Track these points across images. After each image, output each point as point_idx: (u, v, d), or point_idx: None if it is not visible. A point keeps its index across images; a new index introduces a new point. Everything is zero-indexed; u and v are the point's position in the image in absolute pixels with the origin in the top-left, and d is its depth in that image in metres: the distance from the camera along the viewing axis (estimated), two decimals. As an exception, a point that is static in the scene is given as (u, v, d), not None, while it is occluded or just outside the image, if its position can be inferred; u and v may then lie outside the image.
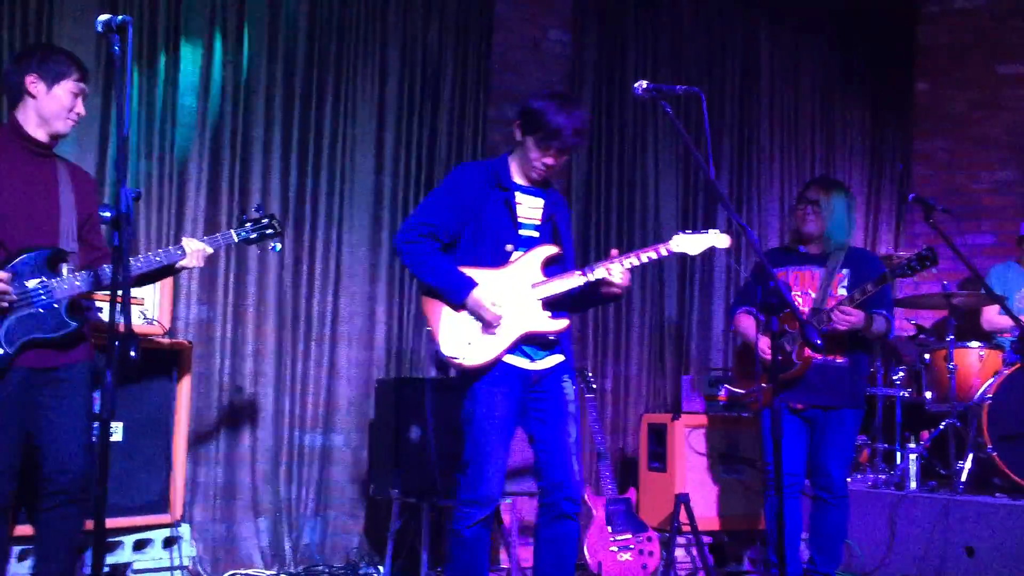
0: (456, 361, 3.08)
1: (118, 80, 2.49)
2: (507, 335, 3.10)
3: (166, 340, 3.86)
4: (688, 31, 6.00)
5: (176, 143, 4.46)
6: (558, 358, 3.24)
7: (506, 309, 3.09)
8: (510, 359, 3.13)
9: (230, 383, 4.53)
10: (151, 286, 3.75)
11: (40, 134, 2.98)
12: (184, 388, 3.91)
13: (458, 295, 3.08)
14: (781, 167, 6.28)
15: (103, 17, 2.44)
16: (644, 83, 2.99)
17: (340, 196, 4.85)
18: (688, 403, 5.26)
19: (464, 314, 3.09)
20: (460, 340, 3.08)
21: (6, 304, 2.81)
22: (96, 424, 2.97)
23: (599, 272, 3.15)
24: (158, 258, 3.04)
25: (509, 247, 3.18)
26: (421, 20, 5.09)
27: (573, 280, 3.16)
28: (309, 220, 4.77)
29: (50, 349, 2.89)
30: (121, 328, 2.33)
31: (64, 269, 2.92)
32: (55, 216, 2.97)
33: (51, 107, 2.95)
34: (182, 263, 3.10)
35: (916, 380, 5.18)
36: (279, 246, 3.37)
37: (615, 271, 3.14)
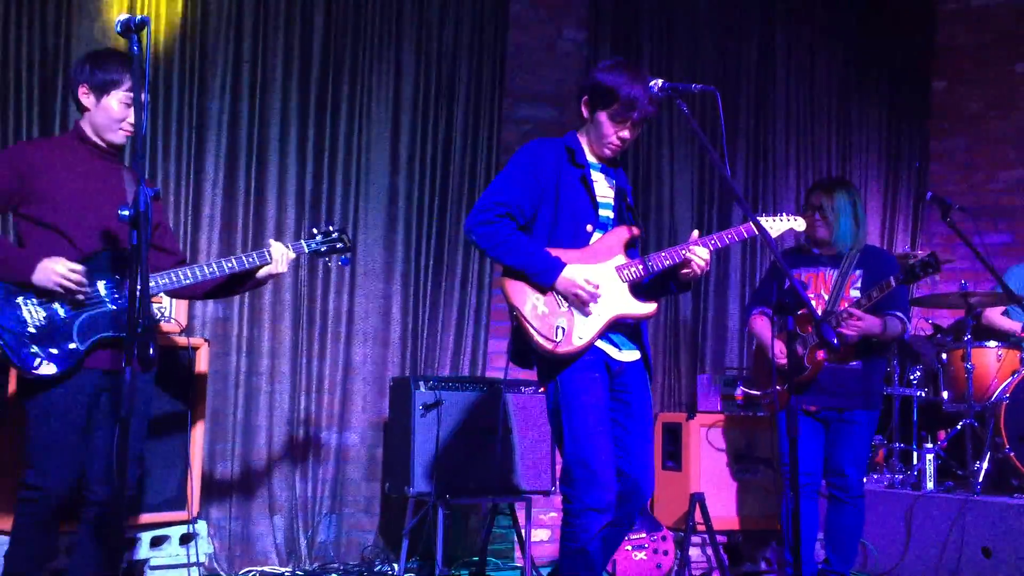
0: (549, 348, 2.87)
1: (136, 80, 2.51)
2: (599, 318, 2.92)
3: (183, 338, 3.89)
4: (704, 30, 5.99)
5: (193, 143, 4.49)
6: (639, 353, 3.08)
7: (599, 290, 2.92)
8: (600, 344, 2.96)
9: (246, 381, 4.56)
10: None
11: (99, 141, 3.00)
12: (201, 386, 3.94)
13: (549, 275, 2.88)
14: (797, 165, 6.25)
15: (122, 17, 2.45)
16: (660, 82, 2.97)
17: (355, 195, 4.87)
18: (703, 402, 5.25)
19: (551, 299, 2.91)
20: (551, 326, 2.89)
21: (81, 297, 2.81)
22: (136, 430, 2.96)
23: (700, 252, 2.98)
24: (250, 259, 3.04)
25: (589, 227, 3.01)
26: (436, 20, 5.10)
27: (661, 261, 3.01)
28: (324, 219, 4.79)
29: (120, 352, 2.86)
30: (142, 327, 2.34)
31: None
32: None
33: (101, 119, 2.96)
34: (268, 269, 3.08)
35: (933, 380, 5.15)
36: (347, 259, 3.34)
37: (704, 253, 3.00)
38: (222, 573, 4.32)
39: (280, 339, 4.64)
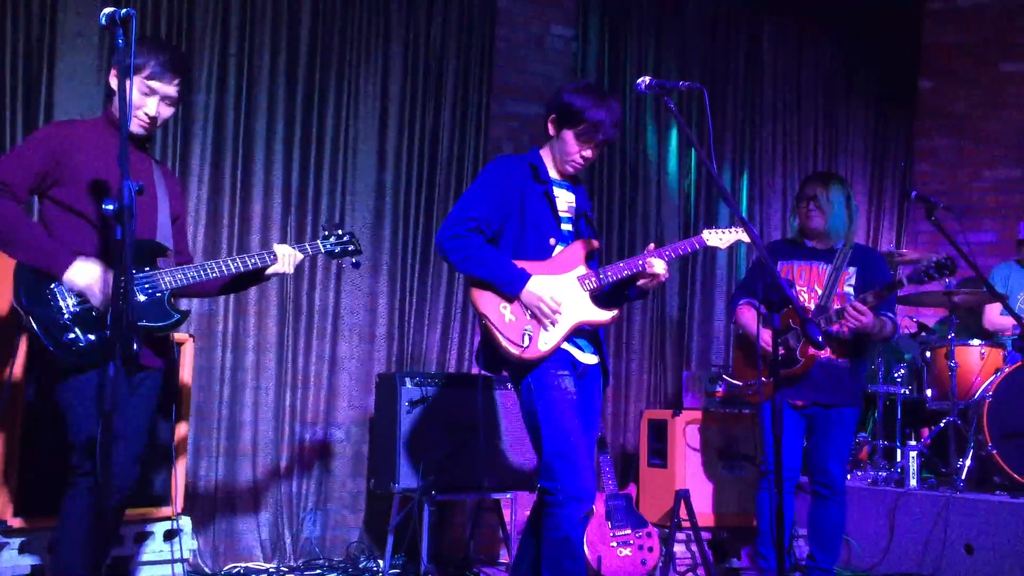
0: (516, 354, 3.03)
1: (121, 74, 2.48)
2: (563, 325, 3.10)
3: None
4: (691, 26, 6.00)
5: (179, 137, 4.46)
6: (597, 358, 3.26)
7: (561, 300, 3.09)
8: (564, 346, 3.12)
9: (231, 376, 4.54)
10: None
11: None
12: (186, 381, 3.92)
13: (515, 286, 3.05)
14: (784, 163, 6.27)
15: (107, 10, 2.42)
16: (647, 79, 2.99)
17: (342, 191, 4.85)
18: (689, 399, 5.27)
19: (517, 307, 3.07)
20: (518, 332, 3.05)
21: (103, 306, 2.73)
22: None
23: (657, 264, 3.15)
24: (252, 260, 3.03)
25: (552, 240, 3.18)
26: (424, 15, 5.09)
27: (619, 272, 3.18)
28: (311, 214, 4.78)
29: (145, 348, 2.83)
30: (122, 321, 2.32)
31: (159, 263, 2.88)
32: (153, 209, 2.93)
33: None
34: (273, 268, 3.07)
35: (917, 377, 5.18)
36: (359, 262, 3.35)
37: (661, 265, 3.16)
38: (206, 569, 4.30)
39: (266, 334, 4.63)
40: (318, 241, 3.26)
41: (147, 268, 2.84)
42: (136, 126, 2.89)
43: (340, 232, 3.30)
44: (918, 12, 6.84)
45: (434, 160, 5.08)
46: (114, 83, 2.82)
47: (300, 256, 3.13)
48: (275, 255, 3.07)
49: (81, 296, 2.73)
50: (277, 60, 4.70)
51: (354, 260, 3.32)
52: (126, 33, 2.41)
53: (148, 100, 2.86)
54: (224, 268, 2.98)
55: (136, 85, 2.81)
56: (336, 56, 4.84)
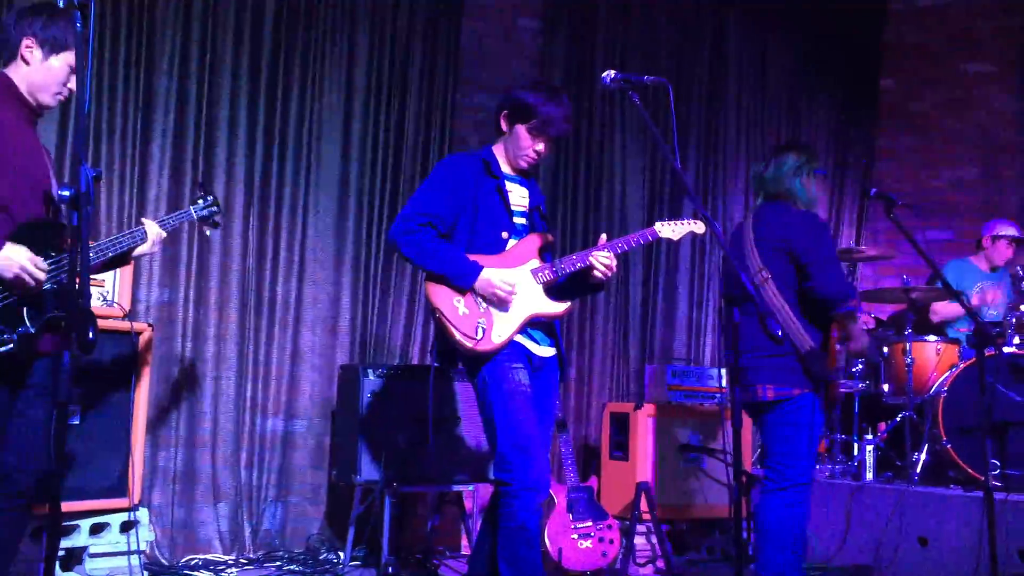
0: (470, 346, 3.05)
1: (80, 58, 2.42)
2: (516, 317, 3.13)
3: (126, 323, 3.81)
4: (658, 21, 6.02)
5: (139, 124, 4.40)
6: (554, 350, 3.28)
7: (515, 290, 3.12)
8: (518, 338, 3.15)
9: (191, 367, 4.49)
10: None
11: (30, 100, 2.76)
12: (144, 371, 3.87)
13: (467, 278, 3.08)
14: (747, 159, 6.32)
15: (66, -7, 2.37)
16: (613, 73, 2.99)
17: (306, 181, 4.82)
18: (651, 392, 5.30)
19: (471, 300, 3.10)
20: (472, 325, 3.07)
21: (38, 291, 2.61)
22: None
23: (601, 256, 3.17)
24: (126, 240, 2.94)
25: (505, 234, 3.21)
26: (391, 4, 5.06)
27: (572, 264, 3.21)
28: (274, 204, 4.73)
29: (47, 333, 2.68)
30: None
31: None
32: (48, 187, 2.77)
33: (44, 78, 2.73)
34: (141, 249, 2.98)
35: (874, 373, 5.26)
36: (212, 230, 3.34)
37: (605, 257, 3.18)
38: (164, 561, 4.26)
39: (227, 324, 4.58)
40: (191, 208, 3.20)
41: (53, 253, 2.67)
42: (56, 100, 2.79)
43: (211, 197, 3.25)
44: (880, 12, 6.92)
45: (399, 151, 5.05)
46: (28, 53, 2.71)
47: (164, 234, 3.04)
48: (145, 232, 2.97)
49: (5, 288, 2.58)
50: (240, 48, 4.65)
51: (215, 225, 3.30)
52: (84, 17, 2.36)
53: (73, 77, 2.77)
54: (102, 253, 2.87)
55: (68, 61, 2.73)
56: (301, 45, 4.80)
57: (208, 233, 3.39)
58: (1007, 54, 6.60)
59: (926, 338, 5.05)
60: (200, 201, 3.24)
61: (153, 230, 3.00)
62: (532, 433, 3.03)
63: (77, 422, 3.62)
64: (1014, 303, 4.93)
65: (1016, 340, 4.81)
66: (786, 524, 3.44)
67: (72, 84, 2.80)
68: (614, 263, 3.20)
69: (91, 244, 2.79)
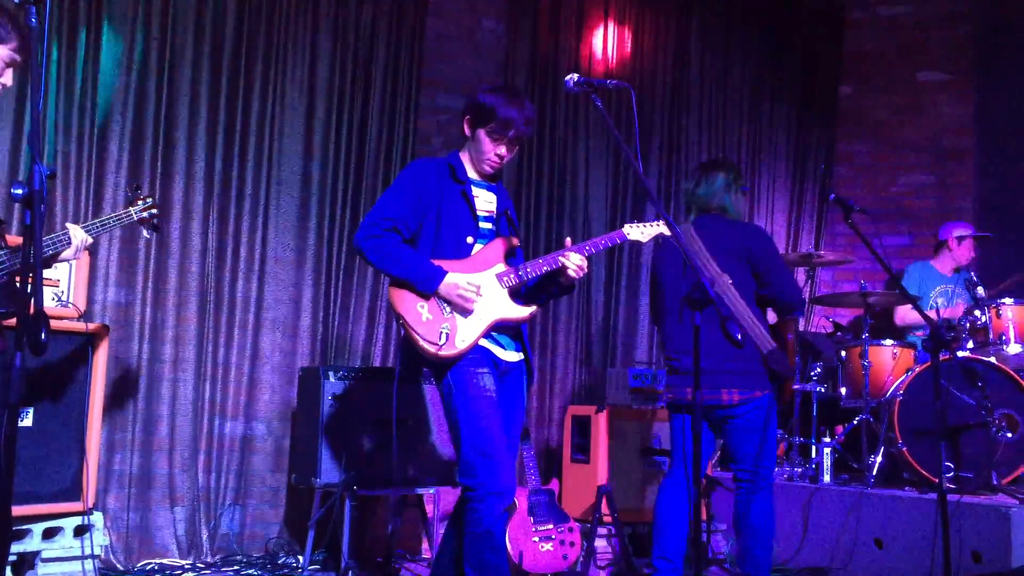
0: (433, 351, 3.03)
1: (34, 54, 2.37)
2: (480, 322, 3.10)
3: (81, 324, 3.75)
4: (619, 22, 6.04)
5: (96, 121, 4.33)
6: (521, 355, 3.27)
7: (479, 293, 3.10)
8: (484, 343, 3.12)
9: (148, 368, 4.43)
10: (65, 265, 3.63)
11: None
12: (99, 372, 3.80)
13: (431, 283, 3.06)
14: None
15: (21, -11, 2.33)
16: (575, 76, 3.00)
17: (267, 180, 4.77)
18: (612, 395, 5.31)
19: (435, 305, 3.08)
20: (435, 331, 3.05)
21: None
22: None
23: (573, 258, 3.16)
24: (46, 246, 2.76)
25: (470, 239, 3.19)
26: (354, 4, 5.03)
27: (539, 268, 3.20)
28: (234, 204, 4.68)
29: None
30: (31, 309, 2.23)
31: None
32: None
33: None
34: (64, 255, 2.85)
35: (832, 376, 5.31)
36: (152, 233, 3.26)
37: (577, 259, 3.17)
38: (119, 566, 4.19)
39: (185, 326, 4.52)
40: (130, 209, 3.13)
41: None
42: None
43: (151, 199, 3.19)
44: (840, 20, 7.01)
45: (362, 152, 5.03)
46: None
47: (90, 240, 2.91)
48: (70, 238, 2.84)
49: None
50: (201, 45, 4.59)
51: (155, 228, 3.23)
52: (39, 13, 2.32)
53: (8, 71, 2.71)
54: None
55: (3, 55, 2.66)
56: (263, 43, 4.75)
57: (147, 235, 3.30)
58: (959, 63, 6.73)
59: (883, 342, 5.12)
60: (140, 203, 3.17)
61: (78, 236, 2.87)
62: (496, 438, 3.01)
63: (28, 424, 3.55)
64: (969, 308, 5.02)
65: (970, 344, 4.90)
66: (771, 523, 3.62)
67: (7, 79, 2.72)
68: (585, 263, 3.19)
69: (9, 247, 2.72)
